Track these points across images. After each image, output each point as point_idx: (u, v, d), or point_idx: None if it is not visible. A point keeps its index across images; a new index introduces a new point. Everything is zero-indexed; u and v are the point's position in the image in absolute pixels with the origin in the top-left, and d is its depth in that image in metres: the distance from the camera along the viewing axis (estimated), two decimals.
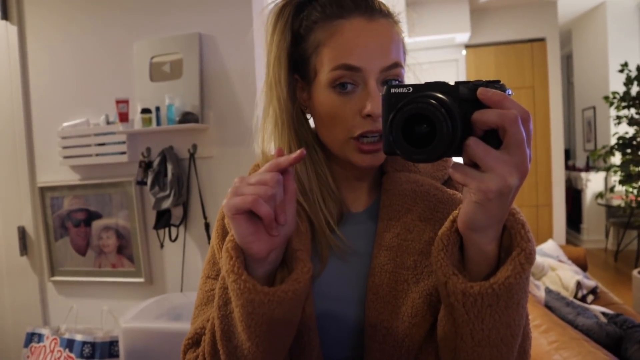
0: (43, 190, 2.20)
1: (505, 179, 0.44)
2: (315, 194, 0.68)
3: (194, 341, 0.67)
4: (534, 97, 5.10)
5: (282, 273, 0.59)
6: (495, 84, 0.47)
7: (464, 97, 0.47)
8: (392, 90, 0.49)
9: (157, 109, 1.90)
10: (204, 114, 1.93)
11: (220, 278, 0.60)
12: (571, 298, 2.48)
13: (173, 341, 1.48)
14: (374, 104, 0.61)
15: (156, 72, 1.99)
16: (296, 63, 0.69)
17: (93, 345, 1.91)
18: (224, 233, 0.70)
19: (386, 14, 0.66)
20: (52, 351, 1.99)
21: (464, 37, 4.82)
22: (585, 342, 1.57)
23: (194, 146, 1.96)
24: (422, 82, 0.50)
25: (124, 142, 2.02)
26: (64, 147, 2.10)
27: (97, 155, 2.06)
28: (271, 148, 0.72)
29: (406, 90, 0.48)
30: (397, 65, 0.64)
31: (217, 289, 0.60)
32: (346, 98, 0.63)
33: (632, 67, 3.66)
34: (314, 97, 0.67)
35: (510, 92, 0.47)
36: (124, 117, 1.93)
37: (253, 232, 0.53)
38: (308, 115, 0.73)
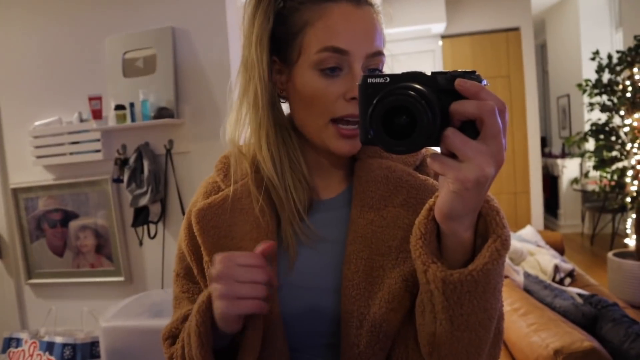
0: (16, 192, 2.15)
1: (482, 169, 0.45)
2: (287, 180, 0.68)
3: (171, 334, 0.72)
4: (510, 86, 5.17)
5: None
6: (471, 75, 0.47)
7: (441, 88, 0.47)
8: (369, 80, 0.48)
9: (132, 105, 1.87)
10: (179, 108, 1.91)
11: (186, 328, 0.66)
12: (549, 281, 2.53)
13: (155, 338, 1.46)
14: None
15: (129, 68, 1.95)
16: (276, 44, 0.68)
17: (74, 346, 1.89)
18: (190, 234, 0.73)
19: (370, 3, 0.66)
20: (31, 355, 1.95)
21: (439, 27, 4.84)
22: (562, 323, 1.61)
23: (170, 142, 1.93)
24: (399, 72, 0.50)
25: (98, 140, 1.99)
26: (37, 147, 2.05)
27: (71, 154, 2.02)
28: (243, 134, 0.71)
29: (383, 80, 0.48)
30: (380, 53, 0.65)
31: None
32: (330, 81, 0.63)
33: (604, 54, 3.74)
34: (294, 79, 0.66)
35: (486, 83, 0.47)
36: (97, 114, 1.89)
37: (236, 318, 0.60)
38: (283, 101, 0.73)
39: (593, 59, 3.77)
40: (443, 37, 5.16)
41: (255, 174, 0.71)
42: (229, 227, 0.70)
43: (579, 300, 2.12)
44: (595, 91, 3.75)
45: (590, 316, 1.87)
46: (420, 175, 0.68)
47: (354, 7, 0.63)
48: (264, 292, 0.57)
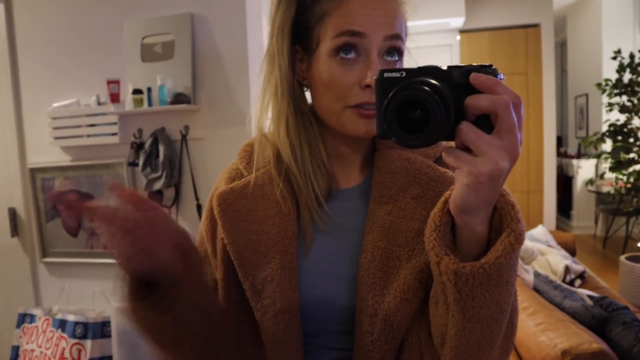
0: (34, 172, 2.19)
1: (496, 163, 0.45)
2: (307, 166, 0.69)
3: None
4: (527, 83, 5.10)
5: None
6: (487, 69, 0.47)
7: (456, 82, 0.47)
8: (386, 74, 0.49)
9: (149, 89, 1.89)
10: (196, 95, 1.92)
11: None
12: (559, 282, 2.52)
13: None
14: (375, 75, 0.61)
15: (147, 53, 1.97)
16: (298, 33, 0.69)
17: (85, 325, 1.92)
18: (211, 217, 0.73)
19: None
20: (44, 331, 2.00)
21: (458, 21, 4.78)
22: (571, 324, 1.60)
23: (186, 127, 1.95)
24: (417, 66, 0.50)
25: (115, 123, 2.01)
26: (55, 128, 2.08)
27: (88, 136, 2.05)
28: (267, 122, 0.72)
29: (399, 75, 0.48)
30: (399, 37, 0.65)
31: None
32: (346, 67, 0.64)
33: (625, 54, 3.66)
34: (313, 67, 0.67)
35: (502, 77, 0.47)
36: (115, 98, 1.91)
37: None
38: (305, 89, 0.73)
39: (614, 58, 3.71)
40: (461, 31, 5.10)
41: (278, 161, 0.72)
42: (249, 211, 0.71)
43: (589, 302, 2.10)
44: (615, 91, 3.69)
45: (600, 318, 1.85)
46: (439, 167, 0.69)
47: None
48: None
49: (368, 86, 0.62)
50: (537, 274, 2.43)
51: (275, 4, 0.69)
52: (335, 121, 0.68)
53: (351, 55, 0.63)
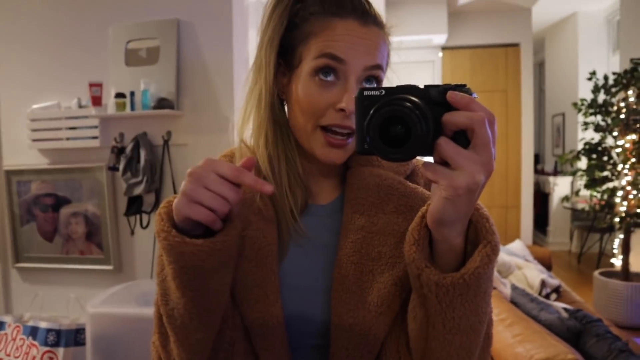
0: (9, 174, 2.14)
1: (473, 176, 0.47)
2: (283, 179, 0.69)
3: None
4: (507, 101, 5.22)
5: None
6: (462, 88, 0.50)
7: (434, 100, 0.49)
8: (365, 92, 0.51)
9: (132, 93, 1.87)
10: (179, 100, 1.91)
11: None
12: (535, 295, 2.56)
13: (141, 327, 1.46)
14: (349, 101, 0.62)
15: (132, 57, 1.95)
16: (283, 48, 0.70)
17: (58, 332, 1.87)
18: None
19: (379, 24, 0.68)
20: (14, 339, 1.93)
21: (441, 38, 4.89)
22: (547, 336, 1.63)
23: (169, 133, 1.93)
24: (397, 82, 0.52)
25: (96, 127, 1.98)
26: (33, 130, 2.04)
27: (67, 139, 2.02)
28: (248, 132, 0.73)
29: (379, 93, 0.50)
30: (379, 67, 0.67)
31: (157, 259, 0.62)
32: (324, 89, 0.65)
33: (600, 75, 3.79)
34: (292, 83, 0.68)
35: (475, 96, 0.50)
36: (97, 101, 1.89)
37: (195, 226, 0.55)
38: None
39: (590, 79, 3.83)
40: (444, 48, 5.21)
41: (257, 172, 0.72)
42: None
43: (564, 314, 2.14)
44: (590, 111, 3.80)
45: (575, 330, 1.89)
46: (410, 183, 0.70)
47: (360, 25, 0.65)
48: (223, 209, 0.53)
49: (342, 110, 0.64)
50: (514, 287, 2.47)
51: (268, 16, 0.70)
52: (305, 141, 0.68)
53: (330, 78, 0.64)
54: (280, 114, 0.72)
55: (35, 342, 1.87)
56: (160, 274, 0.62)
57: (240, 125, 0.72)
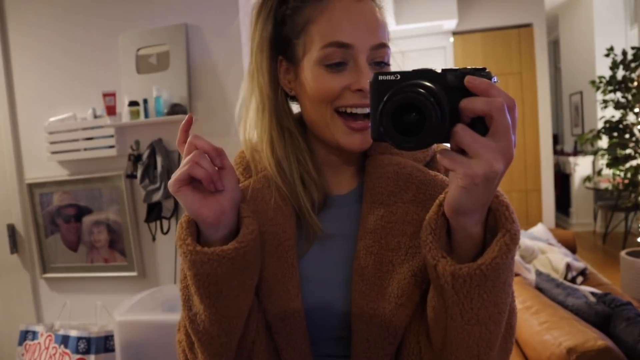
0: (31, 187, 2.18)
1: (491, 165, 0.45)
2: (295, 179, 0.69)
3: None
4: (522, 83, 5.12)
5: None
6: (481, 72, 0.48)
7: (451, 85, 0.47)
8: (380, 77, 0.49)
9: (145, 101, 1.89)
10: (192, 105, 1.92)
11: None
12: (561, 279, 2.52)
13: (168, 333, 1.48)
14: (365, 79, 0.61)
15: (143, 64, 1.97)
16: (281, 45, 0.69)
17: (88, 340, 1.91)
18: None
19: None
20: (47, 348, 1.98)
21: (451, 24, 4.81)
22: (575, 322, 1.60)
23: None
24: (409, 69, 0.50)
25: (112, 136, 2.01)
26: (52, 143, 2.08)
27: (85, 149, 2.05)
28: (254, 135, 0.73)
29: (394, 78, 0.49)
30: (385, 45, 0.65)
31: (180, 265, 0.65)
32: (336, 74, 0.64)
33: (618, 51, 3.69)
34: (301, 76, 0.67)
35: (496, 80, 0.48)
36: (111, 110, 1.91)
37: (200, 199, 0.58)
38: (295, 102, 0.74)
39: (607, 55, 3.73)
40: (454, 33, 5.12)
41: (265, 176, 0.72)
42: (251, 213, 0.71)
43: (592, 299, 2.10)
44: (609, 88, 3.71)
45: (604, 315, 1.85)
46: (430, 171, 0.69)
47: (355, 1, 0.64)
48: (196, 155, 0.57)
49: (359, 90, 0.63)
50: (538, 273, 2.43)
51: (253, 23, 0.69)
52: (326, 132, 0.67)
53: (340, 66, 0.64)
54: (285, 115, 0.71)
55: (67, 350, 1.92)
56: (183, 281, 0.64)
57: (243, 130, 0.73)
